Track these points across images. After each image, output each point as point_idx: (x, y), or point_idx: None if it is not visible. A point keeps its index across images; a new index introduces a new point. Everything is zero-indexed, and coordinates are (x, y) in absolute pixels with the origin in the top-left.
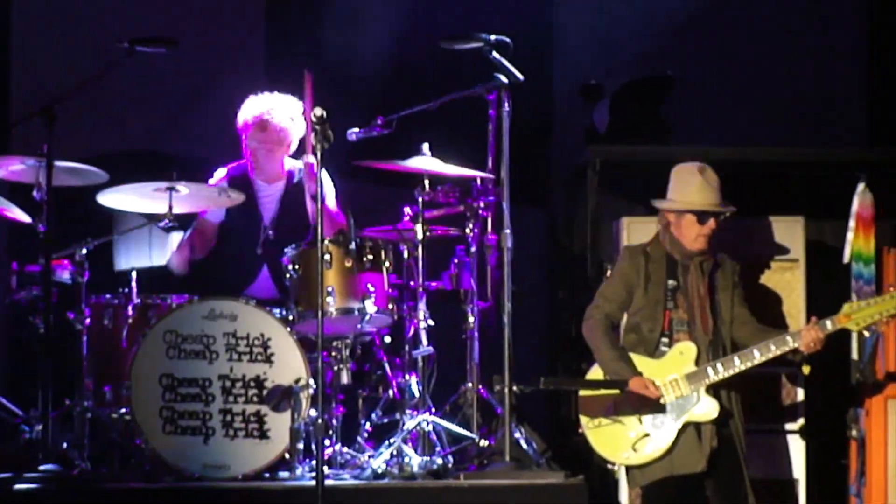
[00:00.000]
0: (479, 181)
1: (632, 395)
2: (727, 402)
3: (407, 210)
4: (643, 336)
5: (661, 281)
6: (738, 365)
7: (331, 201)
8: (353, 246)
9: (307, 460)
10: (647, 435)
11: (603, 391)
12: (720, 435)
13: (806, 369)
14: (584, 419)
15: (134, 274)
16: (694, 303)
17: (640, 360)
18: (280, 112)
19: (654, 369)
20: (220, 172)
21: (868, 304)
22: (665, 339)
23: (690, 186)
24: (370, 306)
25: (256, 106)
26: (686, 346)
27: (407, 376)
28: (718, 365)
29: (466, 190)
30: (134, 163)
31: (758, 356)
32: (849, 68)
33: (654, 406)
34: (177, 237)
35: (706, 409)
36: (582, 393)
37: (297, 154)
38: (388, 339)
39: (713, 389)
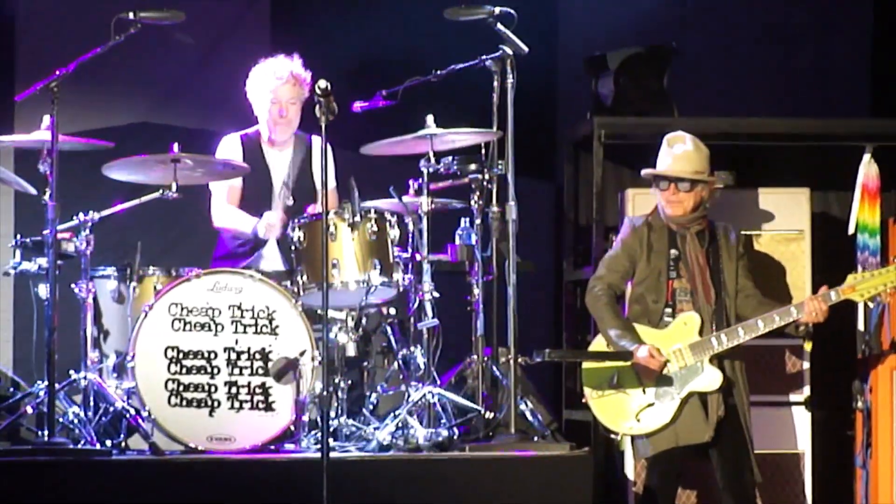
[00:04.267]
0: (483, 153)
1: (636, 364)
2: (731, 372)
3: (412, 182)
4: (647, 307)
5: (664, 251)
6: (742, 336)
7: (331, 181)
8: (357, 218)
9: (312, 432)
10: (650, 405)
11: (607, 362)
12: (726, 405)
13: (808, 345)
14: (587, 389)
15: (139, 245)
16: (694, 272)
17: (644, 331)
18: (295, 70)
19: (659, 340)
20: (233, 138)
21: (873, 276)
22: (669, 310)
23: (659, 155)
24: (375, 279)
25: (283, 64)
26: (690, 317)
27: (412, 348)
28: (722, 335)
29: (471, 162)
30: (139, 135)
31: (762, 327)
32: (853, 39)
33: (657, 376)
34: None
35: (710, 379)
36: (586, 364)
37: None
38: (392, 312)
39: (717, 360)
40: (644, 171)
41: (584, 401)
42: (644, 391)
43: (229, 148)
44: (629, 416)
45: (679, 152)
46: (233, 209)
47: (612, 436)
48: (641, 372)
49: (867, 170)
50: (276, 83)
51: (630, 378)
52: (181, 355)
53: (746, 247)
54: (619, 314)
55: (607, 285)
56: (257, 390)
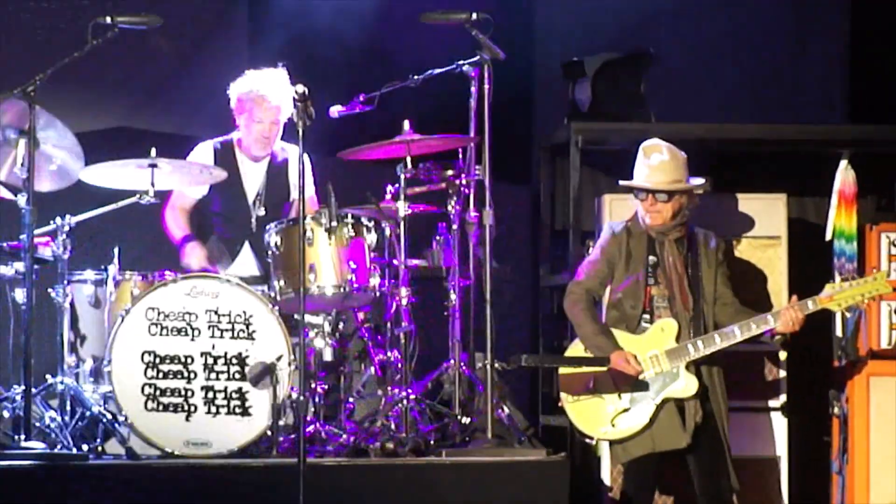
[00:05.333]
0: (460, 158)
1: (612, 369)
2: (708, 378)
3: (389, 188)
4: (625, 312)
5: (642, 257)
6: (719, 342)
7: (310, 189)
8: (334, 223)
9: (289, 437)
10: (626, 410)
11: (584, 367)
12: (703, 411)
13: (783, 354)
14: (563, 394)
15: (116, 250)
16: (672, 279)
17: (621, 336)
18: (279, 89)
19: (636, 345)
20: (206, 146)
21: (850, 286)
22: (646, 316)
23: (636, 165)
24: (352, 283)
25: (256, 81)
26: (667, 323)
27: (389, 353)
28: (699, 342)
29: (448, 167)
30: (117, 139)
31: (738, 334)
32: (830, 45)
33: (634, 381)
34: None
35: (685, 385)
36: (563, 369)
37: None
38: (369, 317)
39: (694, 366)
40: (622, 183)
41: (560, 405)
42: (620, 396)
43: (201, 156)
44: (605, 420)
45: (655, 163)
46: (176, 218)
47: (588, 440)
48: (617, 377)
49: (844, 176)
50: (261, 103)
51: (606, 383)
52: (158, 360)
53: (726, 254)
54: (597, 319)
55: (585, 290)
56: (234, 395)
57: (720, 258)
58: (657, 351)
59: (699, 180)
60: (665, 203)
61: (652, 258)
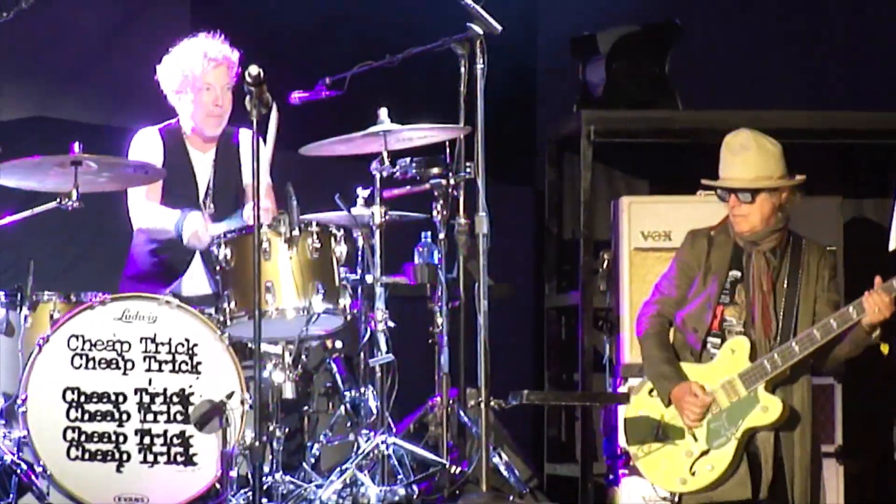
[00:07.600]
0: (448, 153)
1: (678, 407)
2: (796, 402)
3: (361, 190)
4: (689, 336)
5: (723, 271)
6: (798, 352)
7: (266, 177)
8: (296, 232)
9: (242, 491)
10: (704, 453)
11: (644, 409)
12: (777, 449)
13: (885, 348)
14: (632, 448)
15: (31, 266)
16: (755, 298)
17: (688, 368)
18: (222, 49)
19: (704, 375)
20: (150, 133)
21: None
22: (716, 340)
23: (720, 159)
24: (317, 305)
25: (211, 43)
26: (738, 342)
27: (362, 389)
28: (775, 356)
29: (434, 164)
30: (32, 132)
31: (819, 337)
32: (892, 17)
33: (705, 417)
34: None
35: (768, 409)
36: (627, 415)
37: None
38: (339, 345)
39: (772, 385)
40: (703, 182)
41: (632, 464)
42: (695, 437)
43: (147, 144)
44: (682, 469)
45: (738, 156)
46: (154, 206)
47: (668, 502)
48: (685, 415)
49: None
50: (207, 66)
51: (675, 426)
52: (83, 398)
53: (833, 270)
54: (667, 345)
55: (657, 315)
56: (175, 440)
57: (826, 277)
58: (730, 377)
59: (799, 177)
60: (749, 204)
61: (734, 273)
